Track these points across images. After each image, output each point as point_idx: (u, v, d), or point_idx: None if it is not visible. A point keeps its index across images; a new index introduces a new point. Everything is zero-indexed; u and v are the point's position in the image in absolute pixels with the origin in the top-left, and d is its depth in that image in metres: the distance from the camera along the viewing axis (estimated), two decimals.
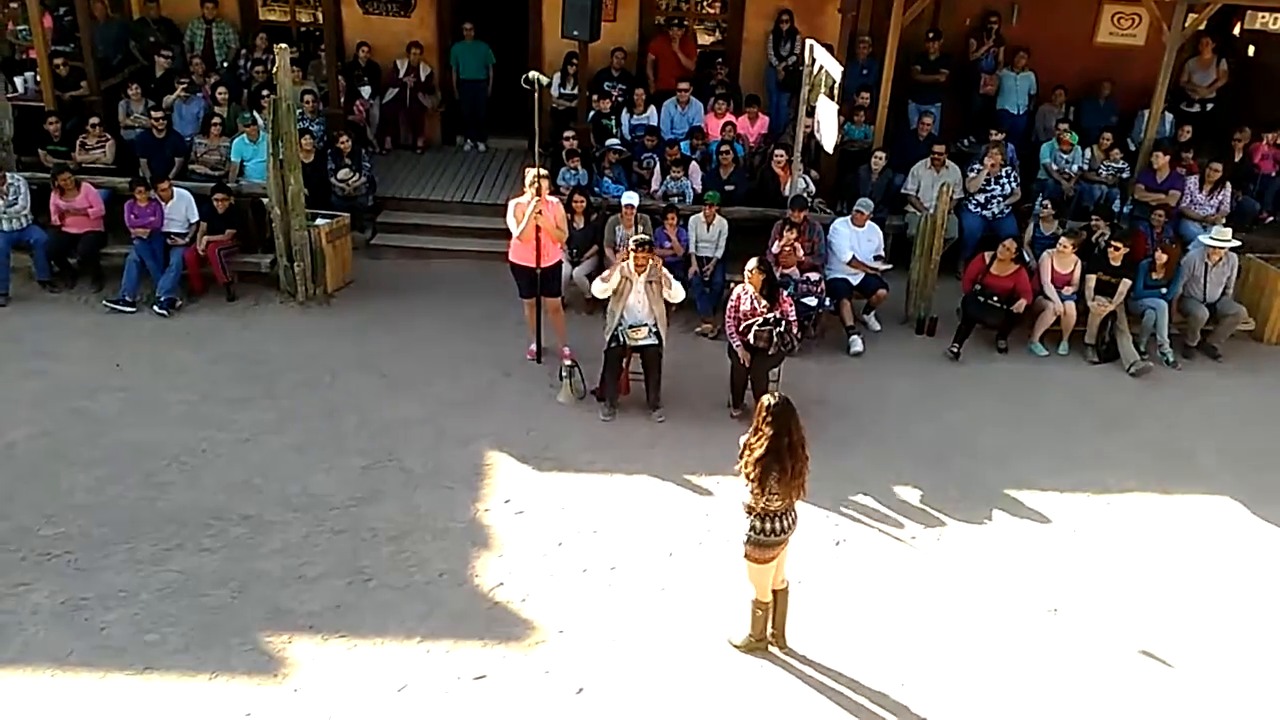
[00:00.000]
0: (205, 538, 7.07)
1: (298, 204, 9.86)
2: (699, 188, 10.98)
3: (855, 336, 9.92)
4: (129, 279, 9.93)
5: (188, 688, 5.91)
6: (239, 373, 9.05)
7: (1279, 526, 7.79)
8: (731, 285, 9.01)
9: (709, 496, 7.76)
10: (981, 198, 11.15)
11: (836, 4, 11.18)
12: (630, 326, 8.46)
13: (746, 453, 5.76)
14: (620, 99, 12.18)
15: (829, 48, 10.02)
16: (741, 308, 8.34)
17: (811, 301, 9.63)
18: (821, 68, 9.31)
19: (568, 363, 8.90)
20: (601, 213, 10.48)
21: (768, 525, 5.80)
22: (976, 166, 11.28)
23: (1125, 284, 9.94)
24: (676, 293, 8.48)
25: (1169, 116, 12.09)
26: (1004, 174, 11.16)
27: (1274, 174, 11.94)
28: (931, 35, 12.33)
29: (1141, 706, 6.14)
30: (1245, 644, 6.66)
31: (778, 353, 8.37)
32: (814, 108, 9.54)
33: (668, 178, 11.07)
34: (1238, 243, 10.14)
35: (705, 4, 13.24)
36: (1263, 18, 12.00)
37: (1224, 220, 10.81)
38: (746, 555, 5.95)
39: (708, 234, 10.27)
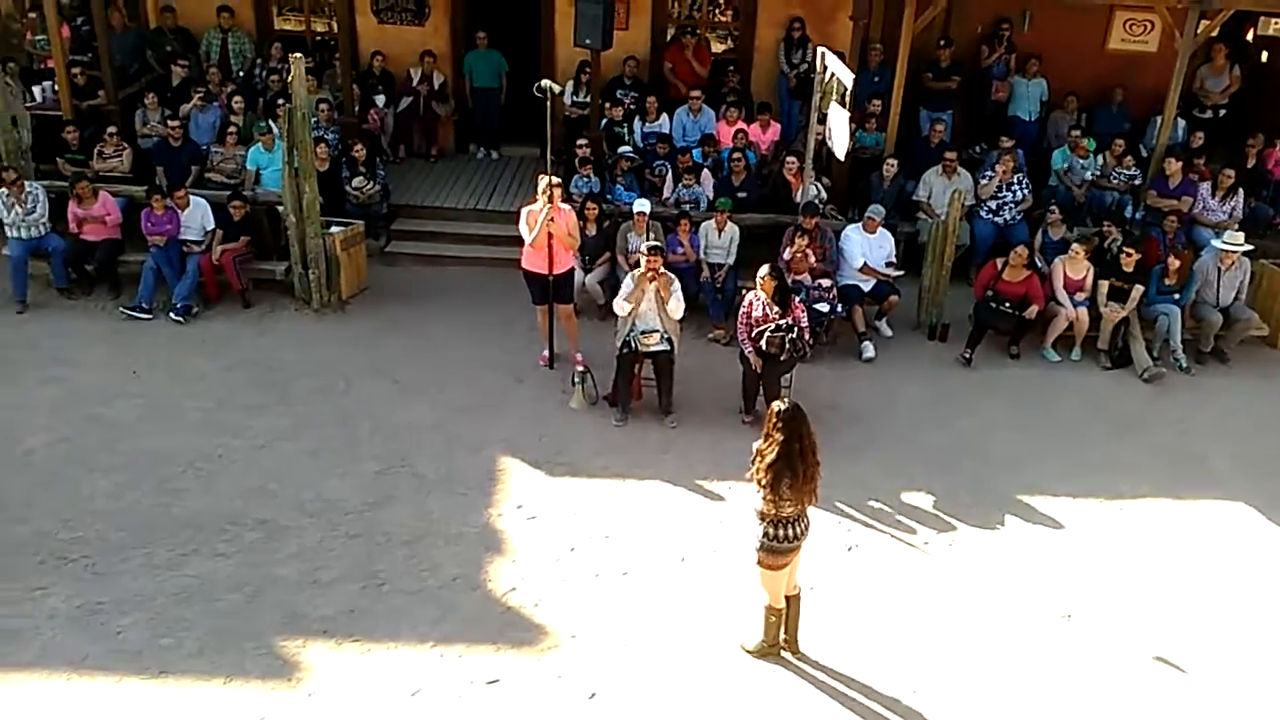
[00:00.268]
0: (220, 543, 7.12)
1: (313, 212, 9.93)
2: (711, 195, 11.01)
3: (867, 343, 9.93)
4: (145, 286, 10.01)
5: (202, 692, 5.96)
6: (254, 379, 9.12)
7: None
8: (743, 292, 9.03)
9: (721, 502, 7.78)
10: (993, 204, 11.15)
11: (848, 12, 11.19)
12: (642, 333, 8.49)
13: (758, 459, 5.77)
14: (632, 107, 12.23)
15: (840, 55, 10.06)
16: (753, 314, 8.36)
17: (823, 308, 9.64)
18: (833, 75, 9.34)
19: (580, 369, 8.93)
20: (614, 220, 10.51)
21: (780, 532, 5.82)
22: (988, 173, 11.29)
23: (1138, 290, 9.92)
24: (676, 308, 8.49)
25: (1181, 123, 12.06)
26: (1015, 180, 11.15)
27: None
28: (943, 42, 12.35)
29: (1156, 713, 6.12)
30: (1260, 650, 6.64)
31: (790, 359, 8.38)
32: (826, 115, 9.56)
33: (680, 185, 11.10)
34: (1250, 247, 10.12)
35: (717, 12, 13.28)
36: (1276, 23, 11.99)
37: (1237, 226, 10.78)
38: (759, 562, 5.96)
39: (719, 241, 10.30)
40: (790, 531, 5.83)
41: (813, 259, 9.80)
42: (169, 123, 11.33)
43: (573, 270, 9.44)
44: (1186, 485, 8.27)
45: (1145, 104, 12.21)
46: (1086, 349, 10.13)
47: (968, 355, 9.86)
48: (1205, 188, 11.21)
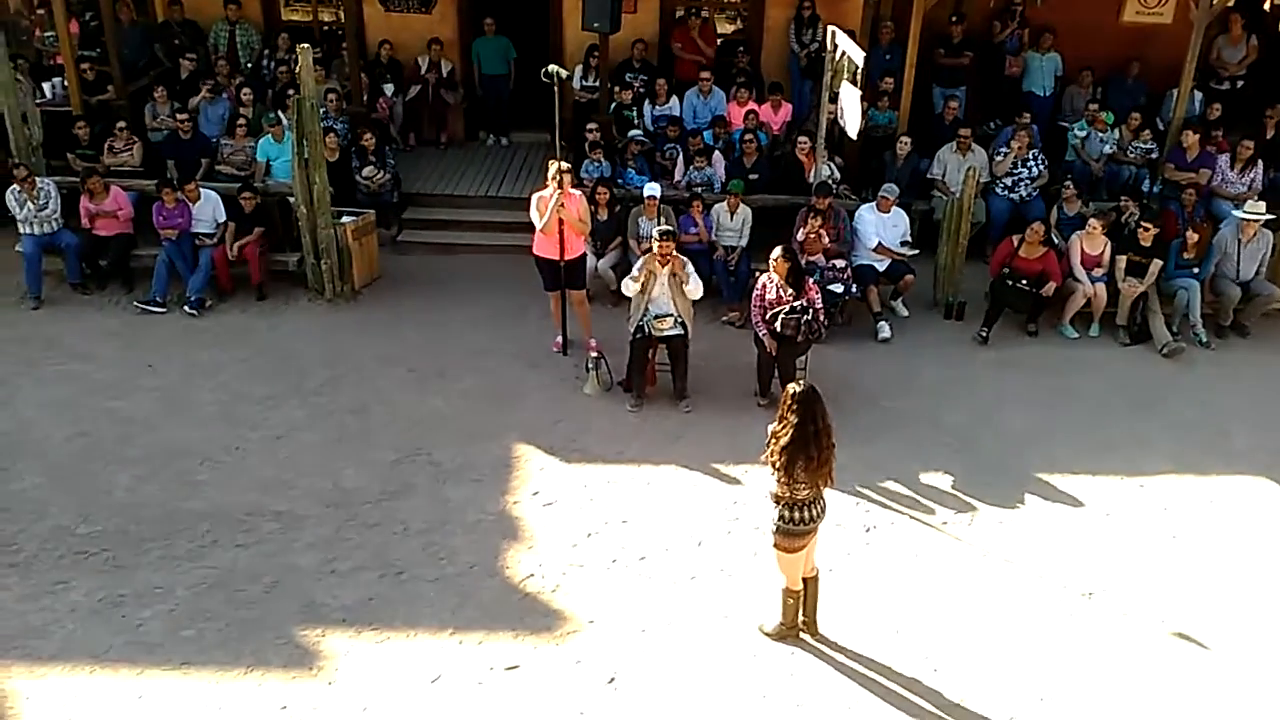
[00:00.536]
0: (239, 534, 7.15)
1: (323, 202, 9.92)
2: (723, 176, 10.95)
3: (883, 323, 9.87)
4: (159, 280, 10.03)
5: (224, 682, 5.98)
6: (269, 371, 9.13)
7: None
8: (757, 274, 8.98)
9: (737, 485, 7.75)
10: (1009, 181, 11.05)
11: None
12: (655, 317, 8.45)
13: (773, 441, 5.74)
14: (642, 90, 12.16)
15: (851, 33, 9.96)
16: (767, 296, 8.31)
17: (838, 288, 9.58)
18: (844, 54, 9.25)
19: (594, 355, 8.90)
20: (625, 205, 10.47)
21: (796, 514, 5.79)
22: (1003, 149, 11.18)
23: (1156, 264, 9.83)
24: (694, 290, 8.46)
25: (1198, 95, 11.92)
26: (1031, 156, 11.05)
27: None
28: (955, 18, 12.23)
29: (1178, 690, 6.08)
30: None
31: (804, 341, 8.33)
32: (837, 94, 9.48)
33: (691, 168, 11.04)
34: (1271, 215, 9.99)
35: None
36: None
37: (1256, 197, 10.65)
38: (776, 545, 5.94)
39: (731, 223, 10.24)
40: (806, 514, 5.80)
41: (826, 240, 9.74)
42: (178, 116, 11.34)
43: (584, 256, 9.41)
44: (1207, 461, 8.20)
45: (1161, 76, 12.06)
46: (1105, 325, 10.04)
47: (984, 334, 9.79)
48: (1224, 160, 11.08)
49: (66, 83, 11.75)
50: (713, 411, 8.64)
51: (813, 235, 9.62)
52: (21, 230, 10.15)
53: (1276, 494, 7.85)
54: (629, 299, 8.69)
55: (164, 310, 10.00)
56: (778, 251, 8.26)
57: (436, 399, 8.77)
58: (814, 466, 5.69)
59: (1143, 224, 9.86)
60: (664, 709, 5.87)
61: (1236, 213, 10.10)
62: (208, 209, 10.29)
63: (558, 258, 8.96)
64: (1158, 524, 7.49)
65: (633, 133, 11.58)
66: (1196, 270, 10.00)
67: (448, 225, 11.62)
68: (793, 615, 6.26)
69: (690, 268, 8.50)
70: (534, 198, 9.07)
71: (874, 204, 10.19)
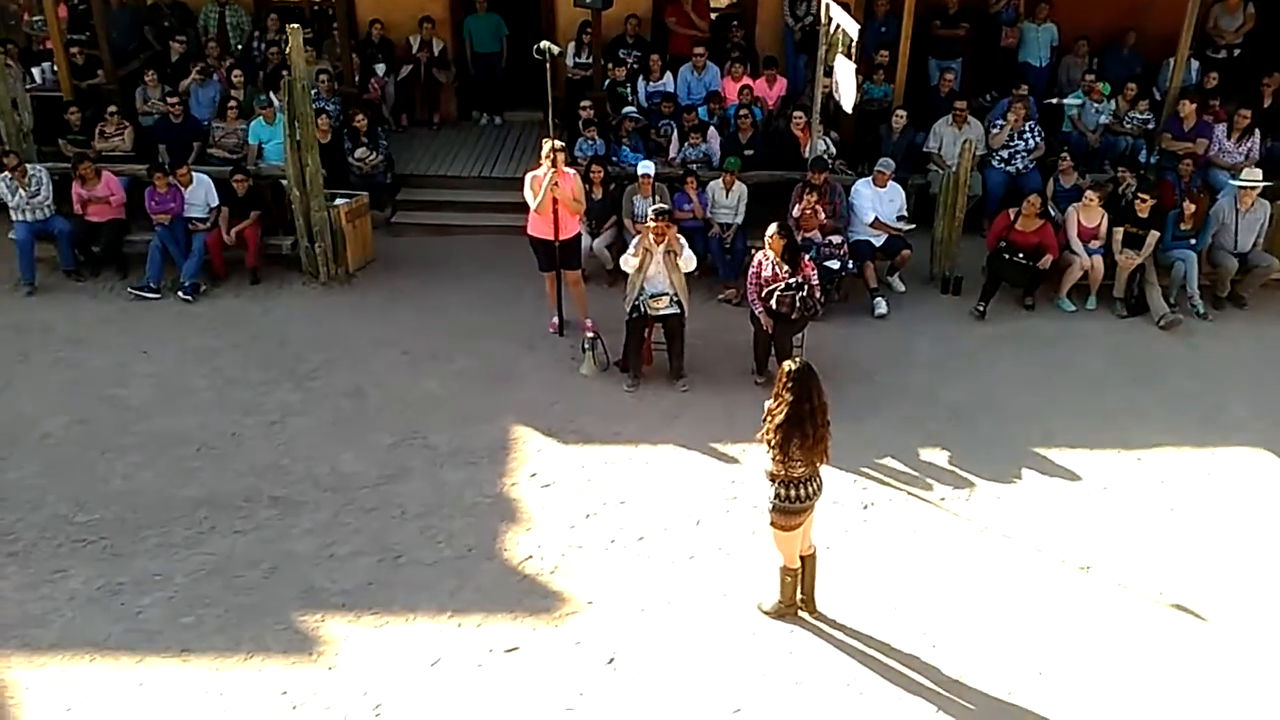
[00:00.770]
0: (237, 520, 7.15)
1: (316, 184, 9.86)
2: (719, 153, 10.89)
3: (879, 298, 9.83)
4: (152, 265, 9.99)
5: (224, 669, 6.00)
6: (264, 355, 9.11)
7: None
8: (752, 251, 8.94)
9: (735, 464, 7.75)
10: (1005, 153, 10.98)
11: None
12: (651, 296, 8.42)
13: (768, 419, 5.73)
14: (636, 66, 12.07)
15: (846, 6, 9.84)
16: (763, 273, 8.28)
17: (834, 264, 9.54)
18: (838, 26, 9.16)
19: (590, 335, 8.88)
20: (620, 183, 10.41)
21: (792, 492, 5.78)
22: (999, 122, 11.11)
23: (1154, 236, 9.79)
24: (688, 261, 8.42)
25: (1195, 64, 11.83)
26: (1027, 129, 10.98)
27: None
28: None
29: (1176, 662, 6.09)
30: None
31: (801, 318, 8.31)
32: (832, 68, 9.40)
33: (686, 144, 10.97)
34: (1269, 183, 9.94)
35: None
36: None
37: (1254, 167, 10.59)
38: (772, 523, 5.94)
39: (727, 200, 10.19)
40: (802, 492, 5.80)
41: (822, 215, 9.68)
42: (169, 99, 11.26)
43: (579, 236, 9.37)
44: (1206, 432, 8.19)
45: (1158, 46, 11.96)
46: (1102, 298, 10.00)
47: (982, 308, 9.76)
48: (1220, 129, 11.00)
49: (56, 67, 11.66)
50: (710, 390, 8.63)
51: (808, 211, 9.57)
52: (14, 217, 10.08)
53: (1274, 466, 7.84)
54: (624, 278, 8.66)
55: (158, 296, 9.96)
56: (773, 228, 8.22)
57: (432, 381, 8.75)
58: (809, 444, 5.67)
59: (1140, 195, 9.81)
60: (663, 688, 5.89)
61: (1234, 182, 10.05)
62: (200, 193, 10.23)
63: (553, 238, 8.92)
64: (1155, 497, 7.49)
65: (627, 110, 11.49)
66: (1194, 241, 9.96)
67: (442, 206, 11.55)
68: (791, 593, 6.27)
69: (684, 241, 8.46)
70: (528, 177, 9.02)
71: (870, 179, 10.13)
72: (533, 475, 7.64)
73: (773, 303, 8.21)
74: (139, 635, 6.21)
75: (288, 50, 9.53)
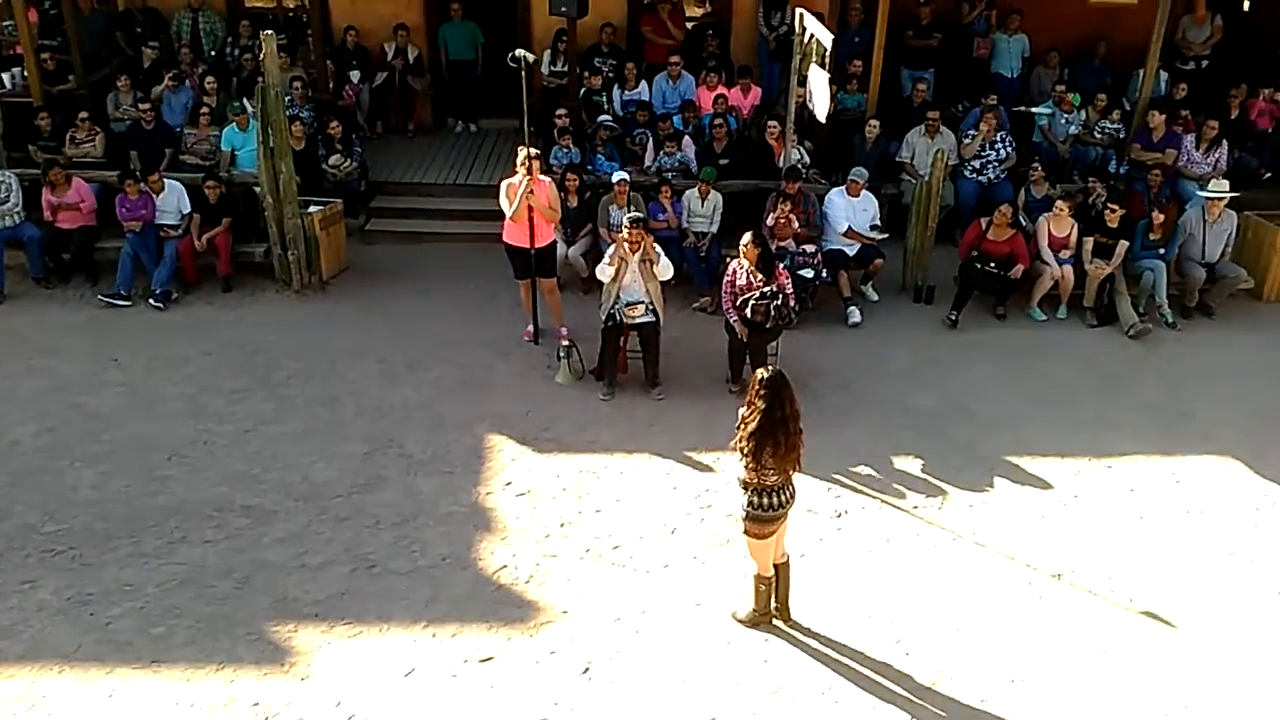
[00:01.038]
0: (208, 530, 7.09)
1: (290, 192, 9.82)
2: (694, 161, 10.93)
3: (853, 307, 9.89)
4: (123, 273, 9.91)
5: (195, 680, 5.93)
6: (237, 363, 9.05)
7: None
8: (727, 260, 8.97)
9: (710, 473, 7.76)
10: (977, 163, 11.09)
11: None
12: (627, 304, 8.43)
13: (741, 427, 5.74)
14: (611, 75, 12.10)
15: (820, 16, 9.93)
16: (738, 282, 8.31)
17: (808, 273, 9.60)
18: (813, 36, 9.23)
19: (565, 343, 8.88)
20: (595, 191, 10.42)
21: (765, 500, 5.80)
22: (971, 132, 11.22)
23: (1123, 246, 9.90)
24: (664, 269, 8.45)
25: (1164, 75, 12.00)
26: (999, 139, 11.09)
27: (1271, 130, 11.87)
28: (922, 0, 12.22)
29: (1147, 669, 6.15)
30: (1248, 603, 6.66)
31: (775, 326, 8.34)
32: (806, 77, 9.47)
33: (661, 153, 11.01)
34: (1235, 193, 10.08)
35: None
36: None
37: (1221, 177, 10.74)
38: (746, 531, 5.95)
39: (702, 209, 10.23)
40: (775, 500, 5.81)
41: (796, 224, 9.74)
42: (141, 105, 11.19)
43: (555, 244, 9.37)
44: (1174, 440, 8.28)
45: (1127, 57, 12.14)
46: (1072, 307, 10.11)
47: (954, 317, 9.84)
48: (1189, 140, 11.17)
49: (26, 73, 11.59)
50: (685, 398, 8.64)
51: (783, 220, 9.62)
52: None
53: (1241, 473, 7.94)
54: (600, 287, 8.67)
55: (129, 303, 9.89)
56: (748, 237, 8.26)
57: (407, 390, 8.72)
58: (782, 452, 5.69)
59: (1109, 206, 9.93)
60: (639, 698, 5.88)
61: (1201, 193, 10.19)
62: (172, 200, 10.17)
63: (528, 246, 8.92)
64: (1125, 505, 7.56)
65: (602, 118, 11.53)
66: (1162, 251, 10.08)
67: (416, 214, 11.55)
68: (765, 601, 6.29)
69: (660, 249, 8.49)
70: (503, 185, 9.02)
71: (843, 188, 10.20)
72: (508, 484, 7.62)
73: (747, 311, 8.24)
74: (109, 646, 6.14)
75: (261, 57, 9.50)
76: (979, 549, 7.08)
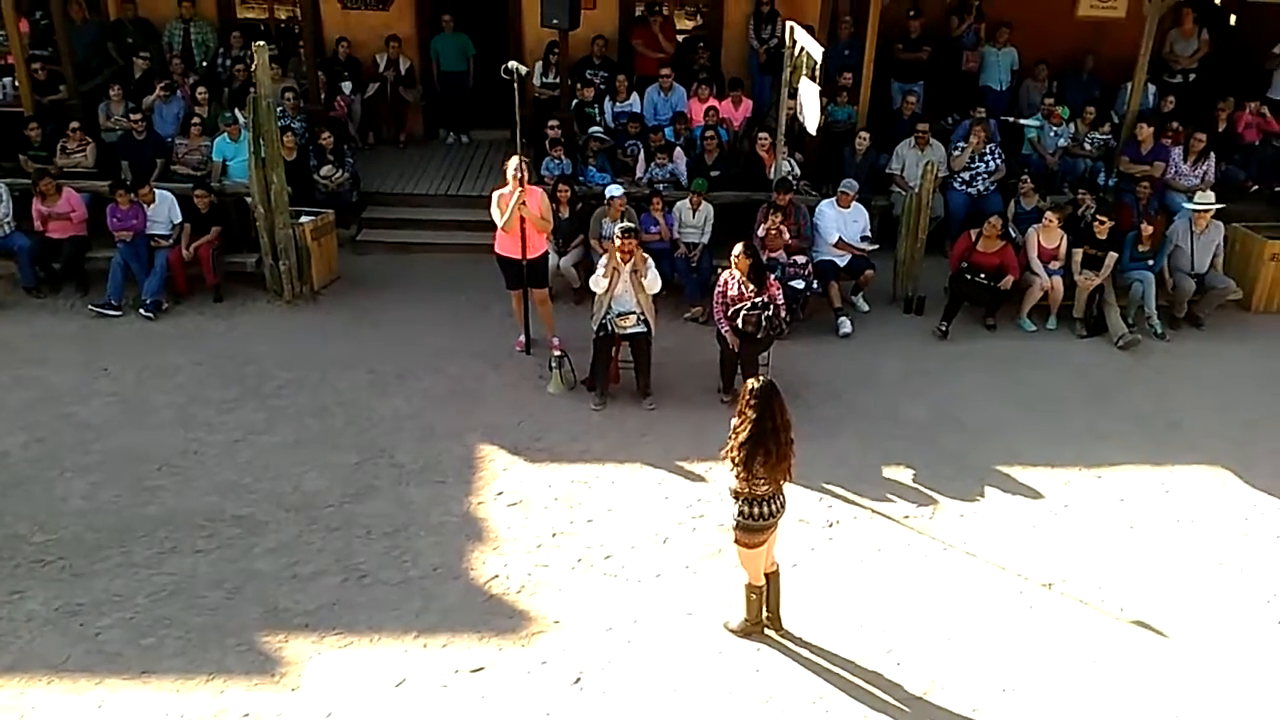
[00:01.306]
0: (199, 540, 7.06)
1: (281, 202, 9.82)
2: (685, 172, 10.96)
3: (843, 318, 9.92)
4: (114, 283, 9.89)
5: (185, 691, 5.91)
6: (227, 374, 9.03)
7: (1270, 494, 7.82)
8: (718, 270, 9.00)
9: (702, 482, 7.77)
10: (966, 175, 11.15)
11: None
12: (618, 315, 8.45)
13: (732, 436, 5.76)
14: (602, 87, 12.15)
15: (810, 29, 10.01)
16: (729, 293, 8.33)
17: (799, 284, 9.62)
18: (803, 49, 9.29)
19: (557, 353, 8.89)
20: (587, 202, 10.45)
21: (756, 510, 5.81)
22: (960, 144, 11.28)
23: (1112, 257, 9.95)
24: (652, 283, 8.46)
25: (1152, 88, 12.09)
26: (988, 151, 11.16)
27: (1258, 143, 11.96)
28: (912, 13, 12.31)
29: (1138, 678, 6.16)
30: (1238, 613, 6.69)
31: (766, 337, 8.36)
32: (796, 90, 9.52)
33: (652, 165, 11.04)
34: (1221, 205, 10.16)
35: None
36: None
37: (1208, 189, 10.82)
38: (737, 540, 5.96)
39: (693, 220, 10.26)
40: (766, 509, 5.82)
41: (787, 235, 9.78)
42: (132, 116, 11.18)
43: (546, 254, 9.39)
44: (1164, 451, 8.32)
45: (1115, 70, 12.22)
46: (1062, 318, 10.16)
47: (944, 328, 9.87)
48: (1177, 152, 11.25)
49: (17, 83, 11.55)
50: (676, 408, 8.65)
51: (774, 231, 9.66)
52: None
53: (1230, 483, 7.98)
54: (591, 297, 8.68)
55: (119, 314, 9.86)
56: (739, 248, 8.29)
57: (398, 400, 8.71)
58: (773, 462, 5.70)
59: (1099, 217, 9.98)
60: (631, 708, 5.88)
61: (1188, 205, 10.27)
62: (163, 210, 10.16)
63: (519, 256, 8.93)
64: (1115, 514, 7.59)
65: (593, 130, 11.56)
66: (1151, 263, 10.14)
67: (407, 224, 11.55)
68: (756, 611, 6.29)
69: (650, 262, 8.51)
70: (495, 195, 9.04)
71: (834, 199, 10.24)
72: (499, 494, 7.61)
73: (739, 322, 8.26)
74: (99, 657, 6.11)
75: (253, 67, 9.51)
76: (970, 559, 7.10)
